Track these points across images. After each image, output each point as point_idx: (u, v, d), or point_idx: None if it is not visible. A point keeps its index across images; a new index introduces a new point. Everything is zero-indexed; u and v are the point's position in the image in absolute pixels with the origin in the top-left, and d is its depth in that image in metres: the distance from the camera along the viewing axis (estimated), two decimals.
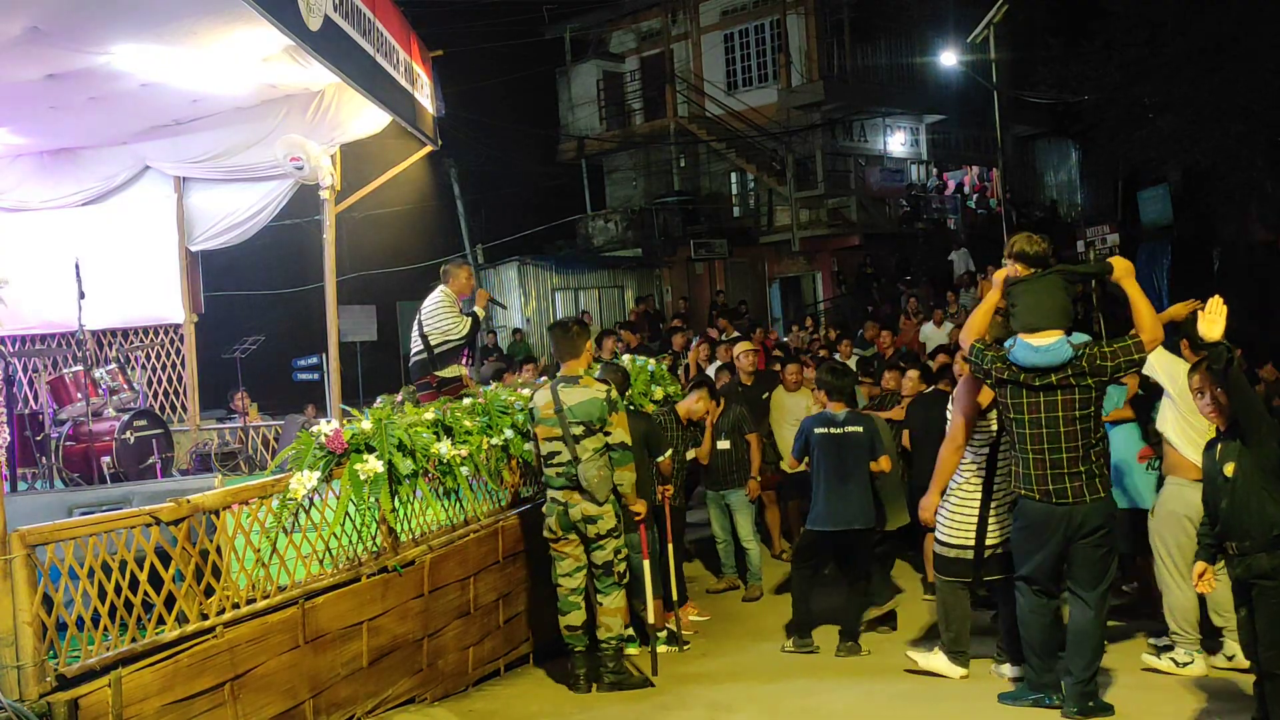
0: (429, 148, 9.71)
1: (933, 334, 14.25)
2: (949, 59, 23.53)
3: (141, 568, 4.22)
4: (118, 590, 4.12)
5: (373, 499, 5.36)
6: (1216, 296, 4.56)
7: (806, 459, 7.06)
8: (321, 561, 5.18)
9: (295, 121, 8.44)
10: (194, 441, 9.97)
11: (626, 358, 9.31)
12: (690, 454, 8.08)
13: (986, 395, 5.58)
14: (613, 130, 29.58)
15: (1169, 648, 5.94)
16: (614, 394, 6.11)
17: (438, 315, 7.53)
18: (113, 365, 9.09)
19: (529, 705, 5.97)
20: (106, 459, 8.23)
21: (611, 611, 6.17)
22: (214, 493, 4.71)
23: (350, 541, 5.36)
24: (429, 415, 5.98)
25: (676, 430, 7.83)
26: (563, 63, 30.33)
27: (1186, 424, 5.70)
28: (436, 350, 7.50)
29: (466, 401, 6.56)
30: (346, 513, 5.30)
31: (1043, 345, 4.99)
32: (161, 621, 4.26)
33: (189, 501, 4.45)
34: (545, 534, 6.16)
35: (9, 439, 7.56)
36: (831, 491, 6.83)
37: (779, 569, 8.98)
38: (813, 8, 26.56)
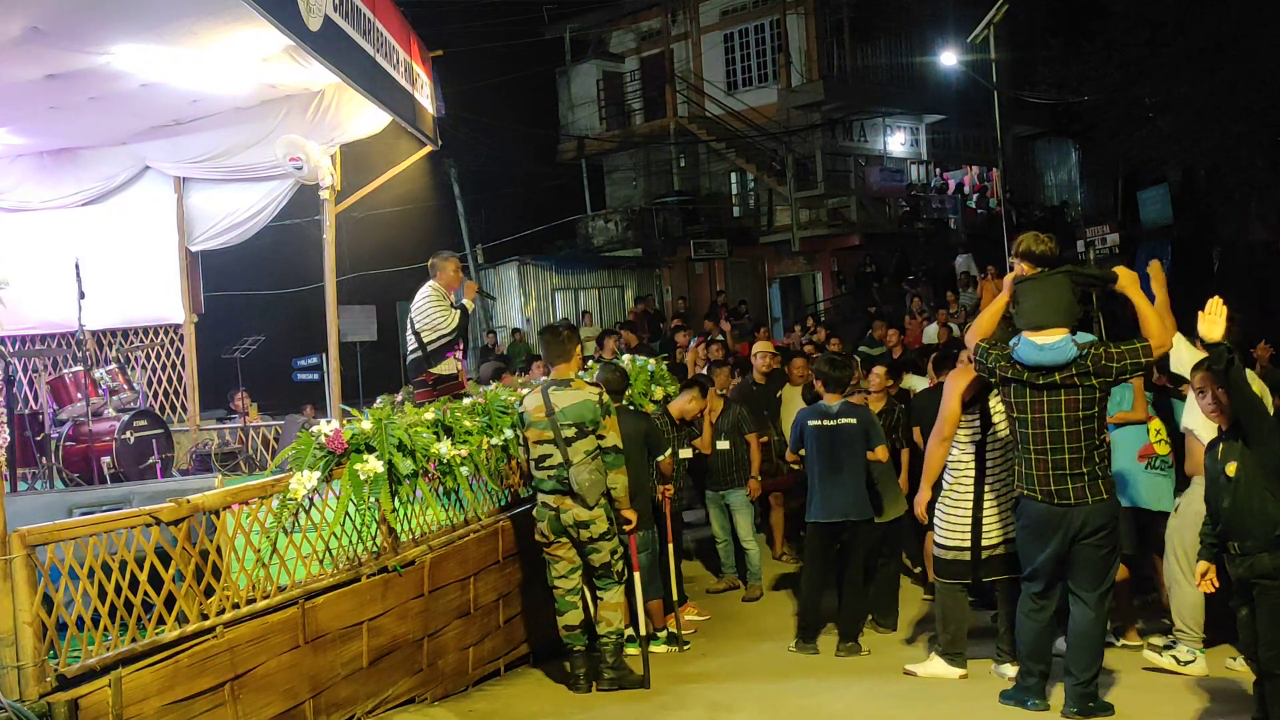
0: (429, 148, 9.70)
1: (934, 334, 14.31)
2: (949, 59, 23.55)
3: (141, 568, 4.22)
4: (118, 590, 4.12)
5: (373, 499, 5.36)
6: (1217, 297, 4.55)
7: (802, 450, 7.07)
8: (321, 561, 5.17)
9: (295, 121, 8.44)
10: (194, 441, 9.97)
11: (626, 358, 9.30)
12: (685, 453, 8.08)
13: (967, 389, 5.59)
14: (613, 130, 29.58)
15: (1172, 645, 5.95)
16: (605, 396, 6.10)
17: (427, 311, 7.52)
18: (113, 365, 9.09)
19: (529, 705, 5.97)
20: (106, 459, 8.23)
21: (611, 606, 6.16)
22: (214, 493, 4.70)
23: (350, 541, 5.36)
24: (429, 415, 5.98)
25: (671, 431, 7.83)
26: (563, 63, 30.33)
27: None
28: (430, 347, 7.49)
29: (467, 401, 6.56)
30: (346, 513, 5.30)
31: (1047, 344, 4.99)
32: (161, 621, 4.26)
33: (189, 501, 4.45)
34: (537, 538, 6.15)
35: (9, 439, 7.55)
36: (826, 483, 6.84)
37: (779, 569, 8.98)
38: (813, 8, 26.57)
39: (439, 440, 5.83)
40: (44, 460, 8.33)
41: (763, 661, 6.88)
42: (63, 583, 3.99)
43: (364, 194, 9.67)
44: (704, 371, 9.95)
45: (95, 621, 4.03)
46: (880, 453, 6.91)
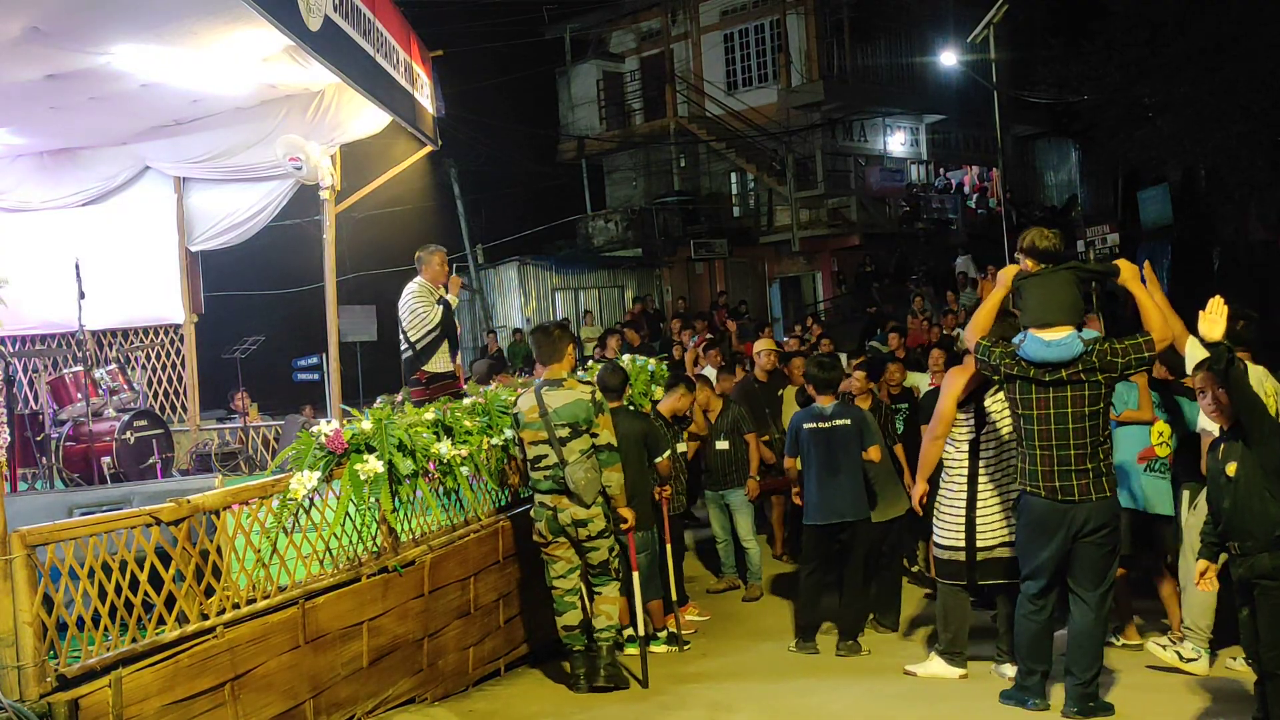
0: (429, 148, 9.71)
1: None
2: (949, 59, 23.55)
3: (142, 568, 4.22)
4: (118, 590, 4.11)
5: (373, 499, 5.36)
6: (1217, 296, 4.55)
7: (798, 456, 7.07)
8: (321, 561, 5.17)
9: (295, 121, 8.44)
10: (194, 441, 9.98)
11: (626, 358, 9.31)
12: (681, 447, 8.07)
13: (962, 389, 5.61)
14: (613, 130, 29.58)
15: (1178, 641, 5.96)
16: (599, 395, 6.10)
17: (411, 307, 7.50)
18: (113, 365, 9.09)
19: (529, 705, 5.97)
20: (106, 459, 8.23)
21: (609, 600, 6.16)
22: (214, 493, 4.70)
23: (350, 541, 5.35)
24: (429, 415, 5.98)
25: (668, 432, 7.82)
26: (563, 63, 30.33)
27: None
28: (419, 345, 7.48)
29: (467, 401, 6.56)
30: (346, 513, 5.30)
31: (1054, 340, 4.99)
32: (162, 622, 4.26)
33: (189, 502, 4.45)
34: (535, 538, 6.15)
35: (9, 439, 7.55)
36: (824, 484, 6.85)
37: (779, 569, 8.98)
38: (813, 8, 26.57)
39: (439, 440, 5.83)
40: (44, 460, 8.33)
41: (763, 661, 6.88)
42: (63, 583, 3.99)
43: (364, 194, 9.68)
44: (702, 371, 9.96)
45: (95, 621, 4.03)
46: (874, 452, 6.93)
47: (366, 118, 8.55)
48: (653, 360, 9.49)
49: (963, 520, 5.80)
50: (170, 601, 4.31)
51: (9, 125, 8.56)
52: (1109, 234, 19.59)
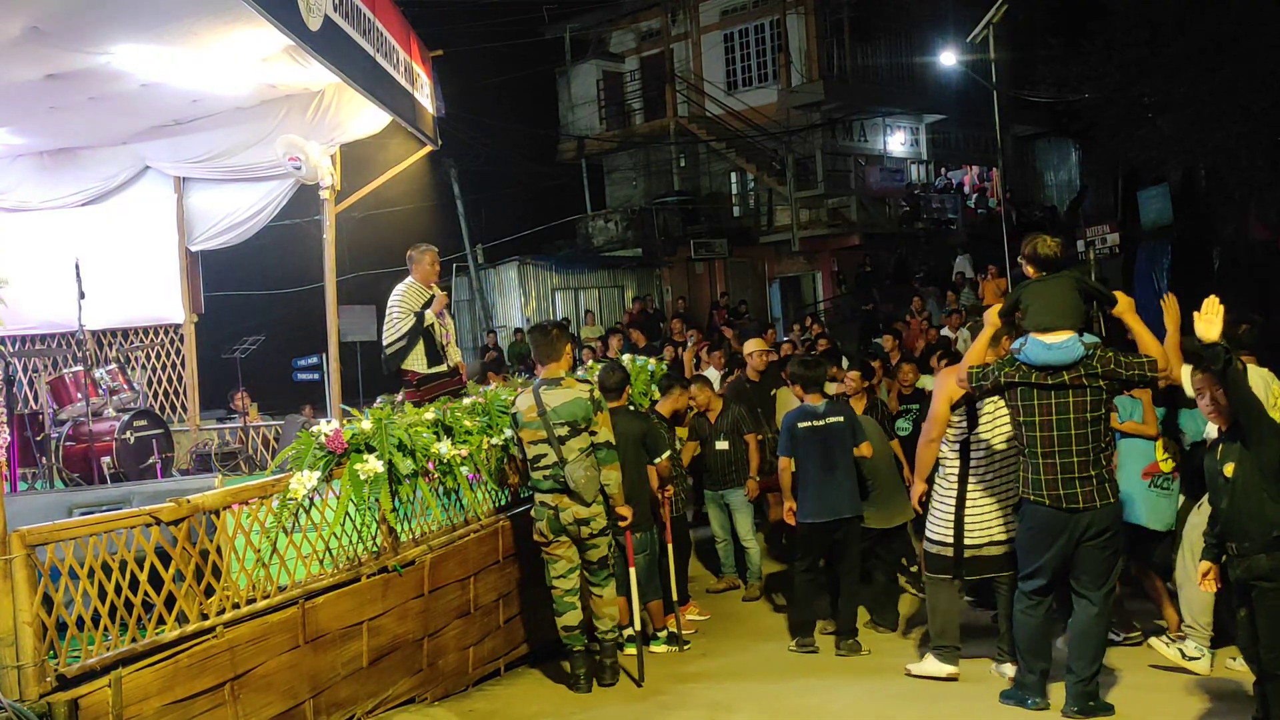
0: (429, 148, 9.71)
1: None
2: (949, 59, 23.51)
3: (141, 568, 4.22)
4: (118, 590, 4.12)
5: (373, 499, 5.36)
6: (1213, 296, 4.56)
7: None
8: (321, 561, 5.17)
9: (295, 121, 8.44)
10: (194, 441, 9.98)
11: (626, 358, 9.31)
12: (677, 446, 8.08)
13: (955, 392, 5.63)
14: (613, 130, 29.58)
15: (1180, 639, 5.96)
16: (597, 393, 6.11)
17: (388, 312, 7.53)
18: (113, 365, 9.10)
19: (529, 705, 5.97)
20: (106, 459, 8.23)
21: (609, 601, 6.18)
22: (214, 493, 4.70)
23: (350, 541, 5.36)
24: (429, 415, 5.98)
25: (668, 432, 7.83)
26: (563, 63, 30.33)
27: None
28: (387, 350, 7.49)
29: (467, 401, 6.56)
30: (346, 513, 5.30)
31: (1055, 343, 5.01)
32: (161, 621, 4.26)
33: (189, 501, 4.45)
34: (536, 538, 6.16)
35: (9, 439, 7.56)
36: (820, 483, 6.86)
37: (779, 568, 8.97)
38: (813, 8, 26.57)
39: (439, 440, 5.83)
40: (44, 460, 8.33)
41: (763, 661, 6.88)
42: (63, 583, 3.99)
43: (364, 194, 9.68)
44: (704, 373, 9.96)
45: (95, 621, 4.03)
46: (865, 449, 6.96)
47: (366, 117, 8.55)
48: (653, 360, 9.50)
49: (952, 518, 5.84)
50: (170, 601, 4.31)
51: (9, 125, 8.56)
52: (1109, 234, 19.57)
